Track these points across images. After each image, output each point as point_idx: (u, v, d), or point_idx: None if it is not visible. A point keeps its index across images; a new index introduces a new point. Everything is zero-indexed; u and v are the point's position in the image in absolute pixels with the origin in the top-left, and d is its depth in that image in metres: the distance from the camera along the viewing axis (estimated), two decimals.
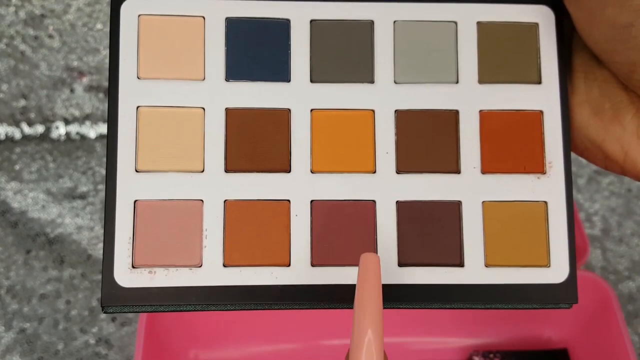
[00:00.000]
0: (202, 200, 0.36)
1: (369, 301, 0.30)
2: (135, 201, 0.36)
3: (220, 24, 0.37)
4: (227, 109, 0.37)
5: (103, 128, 0.89)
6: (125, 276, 0.35)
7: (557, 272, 0.37)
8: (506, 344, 0.77)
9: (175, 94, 0.37)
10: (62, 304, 0.78)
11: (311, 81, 0.37)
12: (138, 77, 0.37)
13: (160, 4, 0.37)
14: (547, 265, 0.37)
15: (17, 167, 0.87)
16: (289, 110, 0.37)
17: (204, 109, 0.37)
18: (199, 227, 0.36)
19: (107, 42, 0.88)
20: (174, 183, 0.36)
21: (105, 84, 0.89)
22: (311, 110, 0.37)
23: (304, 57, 0.37)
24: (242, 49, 0.37)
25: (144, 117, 0.37)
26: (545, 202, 0.37)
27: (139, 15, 0.37)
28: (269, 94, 0.37)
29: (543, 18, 0.38)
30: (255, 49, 0.37)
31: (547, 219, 0.37)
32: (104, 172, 0.86)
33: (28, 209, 0.84)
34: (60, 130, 0.89)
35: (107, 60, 0.89)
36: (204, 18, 0.37)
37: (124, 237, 0.36)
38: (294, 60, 0.37)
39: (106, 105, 0.89)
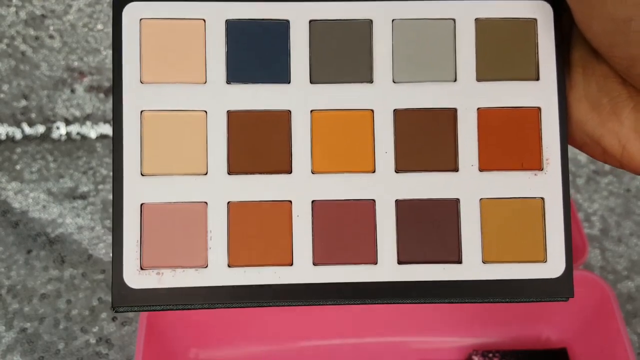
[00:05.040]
0: (206, 202, 0.37)
1: None
2: (141, 204, 0.37)
3: (220, 26, 0.38)
4: (228, 112, 0.37)
5: (104, 128, 0.89)
6: (134, 278, 0.36)
7: (553, 267, 0.37)
8: (505, 343, 0.77)
9: (178, 98, 0.37)
10: (62, 304, 0.78)
11: (311, 82, 0.38)
12: (141, 82, 0.37)
13: (161, 8, 0.37)
14: (544, 260, 0.37)
15: (18, 167, 0.87)
16: (289, 111, 0.38)
17: (206, 112, 0.37)
18: (204, 228, 0.37)
19: (107, 42, 0.88)
20: (178, 186, 0.37)
21: (106, 84, 0.89)
22: (311, 111, 0.38)
23: (303, 58, 0.38)
24: (243, 51, 0.38)
25: (148, 121, 0.37)
26: (542, 199, 0.38)
27: (141, 19, 0.37)
28: (269, 95, 0.38)
29: (541, 13, 0.38)
30: (256, 50, 0.38)
31: (543, 215, 0.38)
32: (104, 172, 0.86)
33: (29, 209, 0.85)
34: (61, 130, 0.89)
35: (107, 61, 0.89)
36: (204, 21, 0.38)
37: (132, 240, 0.36)
38: (293, 62, 0.38)
39: (107, 105, 0.89)
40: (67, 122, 0.90)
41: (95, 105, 0.90)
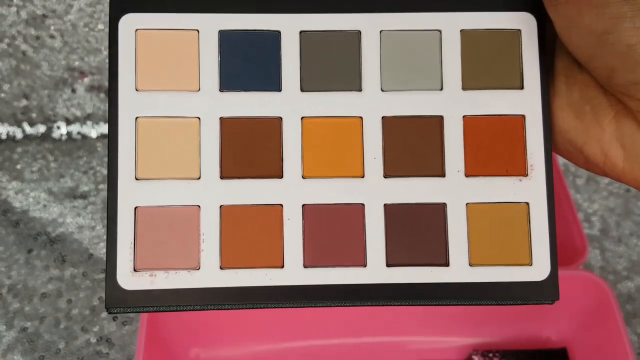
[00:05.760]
0: (199, 206, 0.38)
1: None
2: (135, 208, 0.37)
3: (213, 37, 0.38)
4: (221, 118, 0.38)
5: (104, 128, 0.90)
6: (128, 279, 0.37)
7: (538, 270, 0.38)
8: (505, 343, 0.77)
9: (172, 105, 0.38)
10: (63, 303, 0.78)
11: (301, 90, 0.38)
12: (136, 89, 0.38)
13: (157, 19, 0.38)
14: (529, 263, 0.38)
15: (18, 166, 0.87)
16: (281, 118, 0.38)
17: (199, 118, 0.38)
18: (197, 231, 0.38)
19: (107, 42, 0.88)
20: (172, 190, 0.38)
21: (107, 84, 0.89)
22: (302, 118, 0.38)
23: (294, 67, 0.39)
24: (235, 60, 0.38)
25: (143, 127, 0.38)
26: (527, 204, 0.38)
27: (136, 30, 0.38)
28: (261, 103, 0.38)
29: (525, 24, 0.39)
30: (248, 60, 0.38)
31: (529, 220, 0.38)
32: (105, 171, 0.87)
33: (29, 208, 0.85)
34: (61, 130, 0.90)
35: (107, 60, 0.89)
36: (198, 31, 0.38)
37: (126, 242, 0.37)
38: (284, 71, 0.38)
39: (107, 105, 0.89)
40: (68, 122, 0.90)
41: (95, 105, 0.90)
